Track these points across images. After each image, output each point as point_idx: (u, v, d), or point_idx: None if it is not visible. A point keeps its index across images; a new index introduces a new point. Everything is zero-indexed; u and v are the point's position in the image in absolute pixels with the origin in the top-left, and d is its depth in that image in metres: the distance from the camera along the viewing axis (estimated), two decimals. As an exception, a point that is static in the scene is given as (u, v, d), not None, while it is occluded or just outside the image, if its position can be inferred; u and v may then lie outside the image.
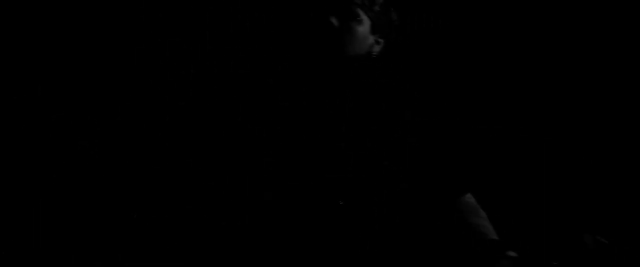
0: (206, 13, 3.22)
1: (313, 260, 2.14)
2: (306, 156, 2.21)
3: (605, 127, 2.85)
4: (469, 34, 2.97)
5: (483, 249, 1.92)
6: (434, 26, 3.00)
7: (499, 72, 2.95)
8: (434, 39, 2.99)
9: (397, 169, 2.21)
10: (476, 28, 2.96)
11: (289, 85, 2.31)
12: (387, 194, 2.21)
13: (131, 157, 3.30)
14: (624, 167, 2.84)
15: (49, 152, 3.26)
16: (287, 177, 2.23)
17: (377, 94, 2.24)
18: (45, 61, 3.23)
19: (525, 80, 2.93)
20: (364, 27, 2.16)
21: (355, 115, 2.20)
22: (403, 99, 2.27)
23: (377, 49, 2.22)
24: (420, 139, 2.90)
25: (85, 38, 3.24)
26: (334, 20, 2.10)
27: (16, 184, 3.24)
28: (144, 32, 3.24)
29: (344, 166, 2.19)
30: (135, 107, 3.29)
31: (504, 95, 2.94)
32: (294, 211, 2.20)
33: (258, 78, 2.40)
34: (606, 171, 2.85)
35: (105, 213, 3.30)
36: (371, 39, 2.20)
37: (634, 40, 2.82)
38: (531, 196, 2.91)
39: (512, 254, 1.94)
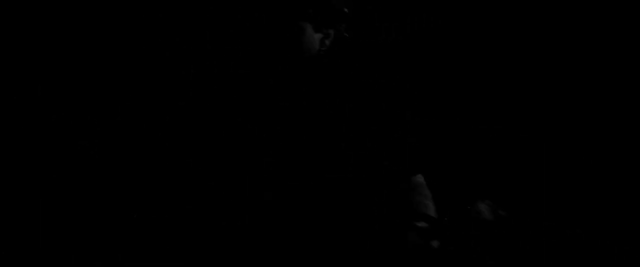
0: (206, 13, 3.22)
1: (313, 260, 2.14)
2: (306, 155, 2.22)
3: (605, 127, 2.85)
4: (468, 34, 2.97)
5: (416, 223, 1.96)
6: (434, 26, 3.00)
7: (499, 72, 2.95)
8: (434, 39, 2.99)
9: (397, 169, 2.21)
10: (476, 28, 2.96)
11: (289, 85, 2.31)
12: (387, 194, 2.21)
13: (131, 157, 3.30)
14: (624, 167, 2.84)
15: (49, 152, 3.26)
16: (287, 177, 2.23)
17: (377, 94, 2.24)
18: (45, 61, 3.23)
19: (525, 80, 2.93)
20: (307, 31, 2.23)
21: (355, 115, 2.20)
22: (403, 99, 2.27)
23: (327, 42, 2.25)
24: (420, 139, 2.90)
25: (85, 38, 3.24)
26: (277, 38, 2.23)
27: (16, 184, 3.24)
28: (144, 32, 3.24)
29: (344, 166, 2.19)
30: (135, 107, 3.28)
31: (504, 95, 2.94)
32: (294, 211, 2.20)
33: (258, 78, 2.40)
34: (606, 170, 2.85)
35: (105, 213, 3.30)
36: (318, 36, 2.24)
37: (634, 40, 2.82)
38: (531, 195, 2.91)
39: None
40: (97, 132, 3.29)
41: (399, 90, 2.29)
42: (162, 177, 3.31)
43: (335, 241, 2.17)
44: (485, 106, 2.96)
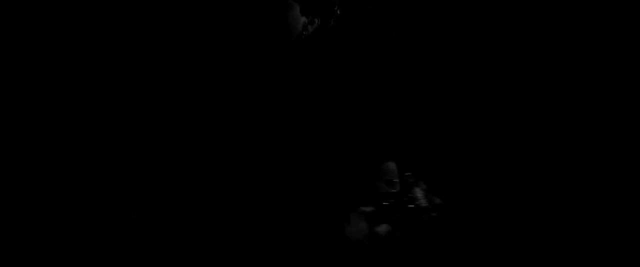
0: (206, 13, 3.21)
1: (313, 259, 2.14)
2: (306, 155, 2.21)
3: (605, 127, 2.85)
4: (468, 34, 2.96)
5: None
6: (434, 26, 3.00)
7: (499, 72, 2.95)
8: (434, 39, 2.99)
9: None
10: (476, 28, 2.96)
11: (289, 85, 2.31)
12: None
13: (131, 157, 3.30)
14: (624, 167, 2.84)
15: (49, 152, 3.26)
16: (287, 177, 2.23)
17: (377, 94, 2.24)
18: (45, 61, 3.23)
19: (525, 80, 2.93)
20: (294, 10, 2.21)
21: (355, 115, 2.20)
22: (403, 99, 2.27)
23: (310, 28, 2.26)
24: (420, 139, 2.90)
25: (85, 38, 3.23)
26: (263, 13, 2.26)
27: (16, 184, 3.24)
28: (144, 32, 3.24)
29: (344, 166, 2.19)
30: (135, 107, 3.28)
31: (504, 95, 2.94)
32: (293, 211, 2.20)
33: (258, 78, 2.40)
34: (606, 170, 2.85)
35: (105, 213, 3.30)
36: (303, 19, 2.24)
37: (634, 40, 2.82)
38: (531, 195, 2.91)
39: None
40: (97, 132, 3.29)
41: (399, 90, 2.29)
42: (162, 177, 3.31)
43: (335, 241, 2.17)
44: (485, 106, 2.96)
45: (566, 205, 2.87)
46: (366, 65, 2.32)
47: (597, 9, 2.84)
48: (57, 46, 3.23)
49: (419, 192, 1.98)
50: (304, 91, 2.27)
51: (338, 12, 2.32)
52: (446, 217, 1.99)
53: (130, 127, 3.30)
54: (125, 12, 3.23)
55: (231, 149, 2.42)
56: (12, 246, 3.24)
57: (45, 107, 3.25)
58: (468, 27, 2.96)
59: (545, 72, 2.91)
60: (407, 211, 1.96)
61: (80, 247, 3.29)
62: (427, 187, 2.01)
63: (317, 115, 2.22)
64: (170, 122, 3.31)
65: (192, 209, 2.50)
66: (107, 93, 3.29)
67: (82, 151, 3.30)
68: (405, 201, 1.97)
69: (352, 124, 2.19)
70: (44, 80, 3.24)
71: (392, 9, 3.04)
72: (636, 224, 2.80)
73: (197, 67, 3.27)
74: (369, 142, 2.19)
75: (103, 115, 3.29)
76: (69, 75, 3.26)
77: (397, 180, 2.00)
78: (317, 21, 2.28)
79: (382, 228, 2.01)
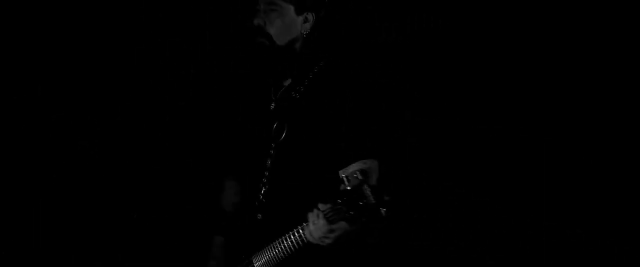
0: (206, 13, 3.22)
1: (312, 259, 2.14)
2: (306, 156, 2.22)
3: (605, 127, 2.85)
4: (468, 34, 2.97)
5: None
6: (434, 26, 3.00)
7: (499, 72, 2.95)
8: (434, 39, 2.99)
9: (396, 169, 2.21)
10: (476, 28, 2.96)
11: (289, 84, 2.31)
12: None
13: (131, 157, 3.30)
14: (624, 167, 2.84)
15: (49, 152, 3.26)
16: (287, 177, 2.23)
17: (377, 94, 2.24)
18: (45, 61, 3.23)
19: (525, 80, 2.93)
20: (289, 14, 2.26)
21: (355, 115, 2.20)
22: (403, 99, 2.28)
23: (308, 26, 2.28)
24: (420, 139, 2.90)
25: (85, 38, 3.24)
26: (260, 22, 2.26)
27: (16, 184, 3.25)
28: (144, 32, 3.24)
29: (343, 166, 2.19)
30: (135, 107, 3.29)
31: (504, 95, 2.94)
32: (293, 211, 2.20)
33: (258, 78, 2.40)
34: (606, 170, 2.85)
35: (105, 213, 3.31)
36: (299, 19, 2.27)
37: (634, 40, 2.82)
38: (531, 195, 2.91)
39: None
40: (97, 132, 3.30)
41: (399, 90, 2.30)
42: (162, 177, 3.31)
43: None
44: (485, 106, 2.96)
45: (566, 205, 2.87)
46: (366, 65, 2.33)
47: (597, 9, 2.85)
48: (57, 46, 3.23)
49: (367, 190, 1.98)
50: (304, 91, 2.27)
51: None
52: (396, 213, 2.00)
53: (130, 127, 3.30)
54: (125, 12, 3.23)
55: (231, 149, 2.42)
56: (12, 246, 3.24)
57: (45, 107, 3.25)
58: (468, 27, 2.97)
59: (545, 72, 2.91)
60: (357, 208, 1.97)
61: (80, 247, 3.29)
62: (377, 183, 2.01)
63: (317, 115, 2.22)
64: (170, 122, 3.32)
65: (192, 209, 2.50)
66: (107, 93, 3.29)
67: (82, 150, 3.30)
68: (355, 198, 1.98)
69: (352, 124, 2.19)
70: (44, 80, 3.24)
71: (392, 9, 3.04)
72: (636, 224, 2.80)
73: (197, 67, 3.27)
74: (369, 142, 2.19)
75: (103, 115, 3.30)
76: (69, 75, 3.26)
77: (350, 176, 2.01)
78: (312, 16, 2.29)
79: (340, 225, 2.04)
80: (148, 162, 3.30)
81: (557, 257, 2.89)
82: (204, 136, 3.23)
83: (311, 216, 2.07)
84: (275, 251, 2.16)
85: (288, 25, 2.27)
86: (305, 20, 2.29)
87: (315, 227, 2.06)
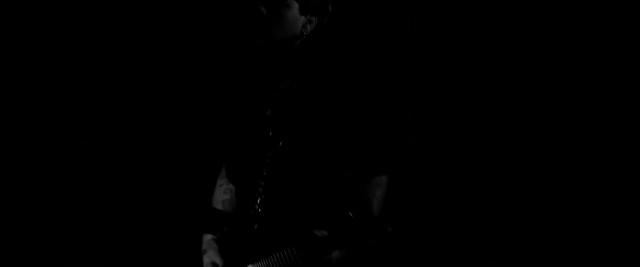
0: (206, 13, 3.22)
1: (311, 259, 2.14)
2: (306, 155, 2.21)
3: (605, 127, 2.85)
4: (468, 34, 2.97)
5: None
6: (434, 26, 3.00)
7: (499, 72, 2.95)
8: (434, 39, 2.99)
9: (397, 169, 2.21)
10: (476, 28, 2.96)
11: (288, 84, 2.30)
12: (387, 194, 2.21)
13: (131, 157, 3.30)
14: (624, 167, 2.84)
15: (49, 152, 3.26)
16: (287, 177, 2.23)
17: (377, 94, 2.24)
18: (45, 61, 3.23)
19: (525, 80, 2.93)
20: (293, 10, 2.25)
21: (355, 115, 2.20)
22: (403, 99, 2.28)
23: (309, 28, 2.28)
24: (420, 139, 2.90)
25: (85, 38, 3.24)
26: (263, 9, 2.25)
27: (16, 184, 3.24)
28: (144, 32, 3.24)
29: (344, 166, 2.19)
30: (135, 107, 3.29)
31: (504, 95, 2.94)
32: (293, 211, 2.20)
33: (258, 78, 2.40)
34: (606, 170, 2.85)
35: (105, 213, 3.31)
36: (302, 19, 2.27)
37: (634, 40, 2.82)
38: (531, 195, 2.91)
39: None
40: (97, 132, 3.30)
41: (399, 90, 2.30)
42: (162, 177, 3.31)
43: (317, 225, 2.17)
44: (485, 106, 2.96)
45: (566, 205, 2.87)
46: (366, 65, 2.33)
47: (596, 9, 2.85)
48: (57, 46, 3.23)
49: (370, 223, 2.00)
50: (304, 91, 2.27)
51: (330, 9, 2.34)
52: (399, 246, 2.02)
53: (130, 127, 3.30)
54: (125, 12, 3.23)
55: (231, 149, 2.42)
56: (12, 246, 3.24)
57: (45, 107, 3.25)
58: (468, 27, 2.97)
59: (545, 72, 2.91)
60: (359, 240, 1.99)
61: (80, 247, 3.29)
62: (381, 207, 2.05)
63: (317, 115, 2.22)
64: (170, 122, 3.32)
65: (192, 209, 2.50)
66: (107, 93, 3.29)
67: (82, 150, 3.30)
68: (361, 229, 1.99)
69: (352, 124, 2.19)
70: (44, 80, 3.24)
71: (392, 9, 3.04)
72: (636, 224, 2.80)
73: (197, 67, 3.27)
74: (369, 142, 2.19)
75: (103, 115, 3.29)
76: (69, 75, 3.26)
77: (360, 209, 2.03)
78: (314, 20, 2.29)
79: (335, 254, 2.06)
80: (148, 162, 3.30)
81: (557, 257, 2.88)
82: (201, 137, 3.23)
83: (304, 241, 2.07)
84: (272, 265, 2.16)
85: (290, 21, 2.27)
86: (308, 22, 2.29)
87: (306, 253, 2.07)
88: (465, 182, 2.94)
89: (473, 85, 2.97)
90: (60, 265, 3.26)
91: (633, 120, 2.83)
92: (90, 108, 3.29)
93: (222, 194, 2.47)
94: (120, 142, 3.31)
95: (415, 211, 2.90)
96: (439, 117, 2.98)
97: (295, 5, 2.27)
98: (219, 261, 2.33)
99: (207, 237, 2.43)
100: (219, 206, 2.46)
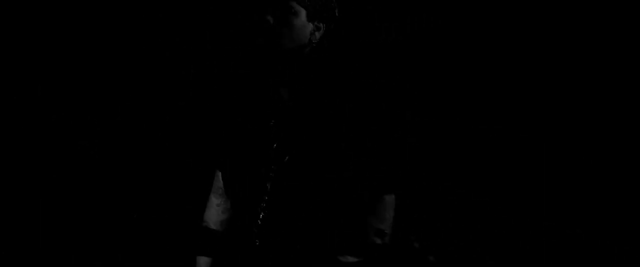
0: (206, 13, 3.22)
1: (312, 259, 2.14)
2: (306, 155, 2.21)
3: (605, 127, 2.85)
4: (468, 34, 2.97)
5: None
6: (434, 26, 3.00)
7: (499, 72, 2.95)
8: (434, 39, 2.99)
9: (397, 169, 2.21)
10: (476, 28, 2.96)
11: (295, 94, 2.28)
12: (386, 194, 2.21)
13: (131, 157, 3.30)
14: (624, 167, 2.84)
15: (49, 152, 3.26)
16: (287, 177, 2.22)
17: (377, 94, 2.23)
18: (45, 61, 3.24)
19: (525, 80, 2.93)
20: (301, 17, 2.23)
21: (355, 115, 2.19)
22: (403, 99, 2.27)
23: (318, 35, 2.23)
24: (420, 139, 2.90)
25: (85, 38, 3.24)
26: (269, 18, 2.19)
27: (16, 184, 3.25)
28: (144, 32, 3.24)
29: (344, 166, 2.19)
30: (135, 107, 3.29)
31: (504, 95, 2.95)
32: (293, 211, 2.19)
33: (258, 78, 2.40)
34: (606, 170, 2.85)
35: (105, 213, 3.31)
36: (310, 26, 2.24)
37: (634, 40, 2.82)
38: (531, 195, 2.91)
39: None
40: (97, 132, 3.30)
41: (399, 90, 2.29)
42: (162, 177, 3.31)
43: (323, 244, 2.17)
44: (485, 106, 2.96)
45: (566, 205, 2.87)
46: (366, 65, 2.32)
47: (596, 9, 2.85)
48: (57, 46, 3.23)
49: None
50: (312, 102, 2.26)
51: (337, 14, 2.31)
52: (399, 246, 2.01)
53: (130, 127, 3.30)
54: (125, 12, 3.23)
55: (231, 149, 2.41)
56: (12, 246, 3.24)
57: (45, 107, 3.25)
58: (468, 27, 2.97)
59: (545, 72, 2.91)
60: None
61: (80, 247, 3.29)
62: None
63: (317, 115, 2.22)
64: (170, 122, 3.32)
65: (192, 209, 2.49)
66: (107, 93, 3.29)
67: (82, 151, 3.31)
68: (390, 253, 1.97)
69: (352, 124, 2.18)
70: (44, 80, 3.24)
71: (392, 9, 3.04)
72: (636, 224, 2.80)
73: (197, 67, 3.27)
74: (369, 142, 2.18)
75: (103, 115, 3.30)
76: (69, 75, 3.27)
77: (388, 231, 2.00)
78: (322, 27, 2.25)
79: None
80: (148, 162, 3.30)
81: (557, 257, 2.89)
82: (201, 137, 3.22)
83: None
84: None
85: (299, 28, 2.22)
86: (317, 29, 2.23)
87: None
88: (465, 182, 2.94)
89: (473, 85, 2.97)
90: (60, 265, 3.26)
91: (633, 121, 2.83)
92: (90, 108, 3.29)
93: (221, 214, 2.40)
94: (120, 142, 3.31)
95: (415, 211, 2.90)
96: (439, 117, 2.98)
97: (303, 12, 2.21)
98: None
99: (202, 260, 2.37)
100: (215, 227, 2.39)
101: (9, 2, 3.18)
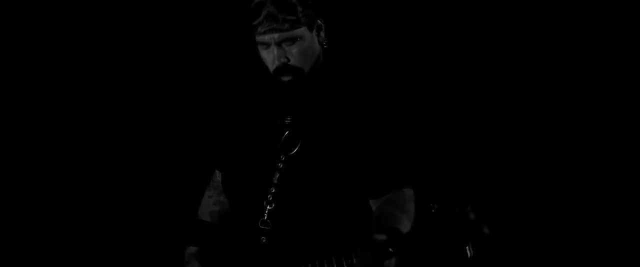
0: (206, 13, 3.22)
1: (312, 258, 2.14)
2: (306, 155, 2.21)
3: (605, 127, 2.85)
4: (468, 34, 2.97)
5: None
6: (434, 26, 3.00)
7: (499, 72, 2.95)
8: (434, 39, 2.99)
9: (397, 169, 2.21)
10: (475, 28, 2.96)
11: (307, 96, 2.27)
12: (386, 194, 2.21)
13: (131, 157, 3.30)
14: (624, 167, 2.84)
15: (49, 152, 3.26)
16: (287, 177, 2.22)
17: (377, 94, 2.23)
18: (45, 61, 3.24)
19: (525, 80, 2.93)
20: (306, 37, 2.18)
21: (355, 115, 2.19)
22: (403, 99, 2.27)
23: (323, 34, 2.21)
24: (420, 139, 2.90)
25: (85, 38, 3.24)
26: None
27: (16, 184, 3.25)
28: (144, 32, 3.24)
29: (344, 166, 2.19)
30: (135, 107, 3.29)
31: (504, 95, 2.95)
32: (293, 211, 2.19)
33: (258, 78, 2.40)
34: (606, 170, 2.85)
35: (105, 213, 3.31)
36: (315, 36, 2.21)
37: (634, 40, 2.82)
38: (531, 195, 2.91)
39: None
40: (97, 132, 3.30)
41: (399, 90, 2.29)
42: (162, 177, 3.31)
43: (333, 240, 2.17)
44: (485, 106, 2.96)
45: (566, 205, 2.87)
46: (366, 65, 2.32)
47: (596, 9, 2.85)
48: (57, 46, 3.23)
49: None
50: (304, 91, 2.26)
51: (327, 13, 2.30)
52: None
53: (130, 127, 3.31)
54: (125, 12, 3.23)
55: (231, 149, 2.41)
56: (12, 246, 3.24)
57: (45, 107, 3.25)
58: (468, 27, 2.97)
59: (545, 72, 2.91)
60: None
61: (80, 247, 3.29)
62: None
63: (318, 115, 2.22)
64: (170, 122, 3.32)
65: (192, 209, 2.50)
66: (107, 93, 3.30)
67: (82, 150, 3.31)
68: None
69: (352, 124, 2.19)
70: (44, 80, 3.24)
71: (392, 9, 3.04)
72: (636, 224, 2.80)
73: (197, 67, 3.28)
74: (369, 142, 2.18)
75: (103, 115, 3.30)
76: (69, 75, 3.27)
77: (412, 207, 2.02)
78: (322, 23, 2.24)
79: (391, 262, 1.97)
80: (148, 163, 3.30)
81: (557, 257, 2.89)
82: (201, 137, 3.22)
83: (359, 251, 1.91)
84: None
85: (309, 48, 2.19)
86: (319, 31, 2.22)
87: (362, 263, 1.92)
88: (465, 182, 2.94)
89: (473, 85, 2.97)
90: (60, 265, 3.26)
91: (633, 121, 2.83)
92: (90, 108, 3.29)
93: (211, 206, 2.42)
94: (120, 142, 3.31)
95: (415, 211, 2.90)
96: (439, 117, 2.98)
97: (304, 30, 2.16)
98: None
99: (191, 250, 2.37)
100: (206, 218, 2.41)
101: (9, 2, 3.18)
